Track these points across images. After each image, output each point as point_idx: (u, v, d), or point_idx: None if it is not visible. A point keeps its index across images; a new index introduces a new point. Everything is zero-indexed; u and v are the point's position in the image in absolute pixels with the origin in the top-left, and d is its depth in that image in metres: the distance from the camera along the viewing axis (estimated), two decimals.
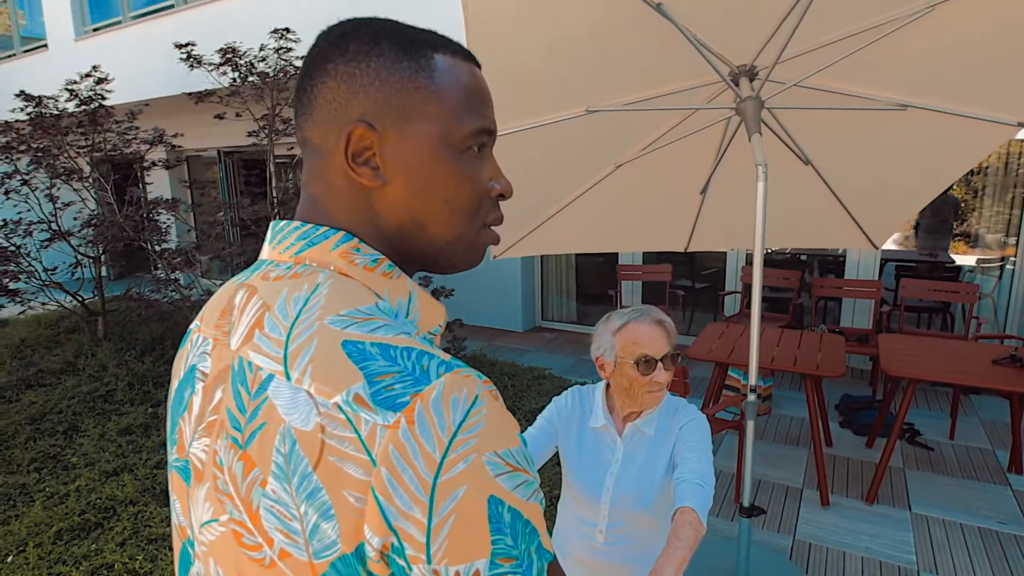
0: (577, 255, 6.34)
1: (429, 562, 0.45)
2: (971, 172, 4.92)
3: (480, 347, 5.59)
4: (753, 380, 2.12)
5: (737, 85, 2.12)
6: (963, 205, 5.30)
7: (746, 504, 2.25)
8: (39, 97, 5.56)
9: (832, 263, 5.49)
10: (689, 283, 6.13)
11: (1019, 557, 2.70)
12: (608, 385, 1.53)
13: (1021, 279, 4.54)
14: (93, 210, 5.69)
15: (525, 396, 4.32)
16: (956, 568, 2.64)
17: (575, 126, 2.16)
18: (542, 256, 6.32)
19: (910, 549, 2.76)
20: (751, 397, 2.14)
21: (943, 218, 5.34)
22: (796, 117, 2.38)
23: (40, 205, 5.61)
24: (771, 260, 5.71)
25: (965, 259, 5.17)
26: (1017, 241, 4.58)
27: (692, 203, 2.73)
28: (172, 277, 5.26)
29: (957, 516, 3.02)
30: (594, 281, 6.47)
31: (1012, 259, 4.62)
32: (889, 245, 5.58)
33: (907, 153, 2.43)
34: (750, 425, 2.16)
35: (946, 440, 3.84)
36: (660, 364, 1.36)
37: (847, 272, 5.07)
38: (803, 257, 5.74)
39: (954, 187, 5.09)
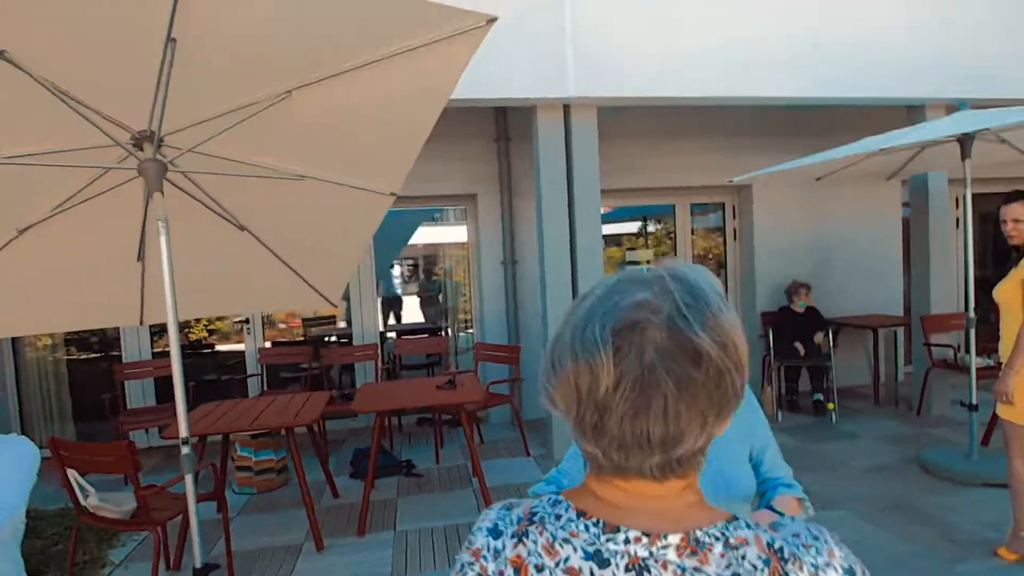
0: (66, 360, 5.36)
1: None
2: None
3: None
4: (184, 433, 2.11)
5: (141, 148, 2.20)
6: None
7: (199, 565, 2.17)
8: None
9: (344, 336, 6.05)
10: (215, 376, 5.84)
11: None
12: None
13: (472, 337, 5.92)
14: None
15: None
16: (422, 563, 3.10)
17: None
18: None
19: (388, 563, 3.12)
20: (185, 450, 2.12)
21: (435, 294, 6.68)
22: (223, 185, 2.60)
23: None
24: (282, 342, 5.98)
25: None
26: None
27: (132, 272, 2.64)
28: None
29: (433, 523, 3.57)
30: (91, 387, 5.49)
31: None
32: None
33: (326, 219, 2.91)
34: (188, 479, 2.13)
35: (434, 465, 4.57)
36: None
37: (355, 342, 5.68)
38: (320, 337, 6.20)
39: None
